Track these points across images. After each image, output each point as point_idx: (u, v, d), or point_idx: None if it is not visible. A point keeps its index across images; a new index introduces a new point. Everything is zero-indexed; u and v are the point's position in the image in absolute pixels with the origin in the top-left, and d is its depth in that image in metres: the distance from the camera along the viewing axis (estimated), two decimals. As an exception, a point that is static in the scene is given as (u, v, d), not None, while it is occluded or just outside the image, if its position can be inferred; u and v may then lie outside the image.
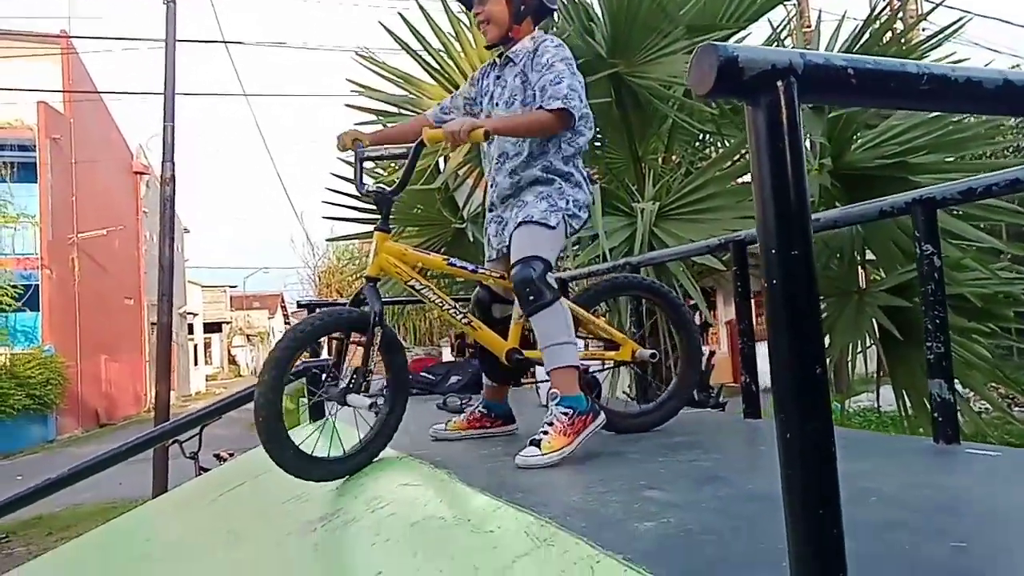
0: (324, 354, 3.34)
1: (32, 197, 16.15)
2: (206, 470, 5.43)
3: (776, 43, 4.72)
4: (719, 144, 5.16)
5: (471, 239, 5.15)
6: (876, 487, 1.48)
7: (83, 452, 10.06)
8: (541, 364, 2.28)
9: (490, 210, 2.52)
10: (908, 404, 3.96)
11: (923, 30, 6.98)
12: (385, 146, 2.49)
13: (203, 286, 35.36)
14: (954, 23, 4.57)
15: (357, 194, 5.27)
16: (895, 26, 5.04)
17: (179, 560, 2.29)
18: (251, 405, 1.94)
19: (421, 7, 5.06)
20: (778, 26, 5.10)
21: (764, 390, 2.88)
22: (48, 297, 16.24)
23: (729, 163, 4.64)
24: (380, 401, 2.16)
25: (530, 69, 2.35)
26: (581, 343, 2.73)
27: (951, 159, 4.19)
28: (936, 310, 1.94)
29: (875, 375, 4.71)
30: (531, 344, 2.33)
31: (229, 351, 42.33)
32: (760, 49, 0.85)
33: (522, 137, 2.33)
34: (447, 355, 7.34)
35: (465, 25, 4.90)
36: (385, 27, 5.10)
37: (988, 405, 4.75)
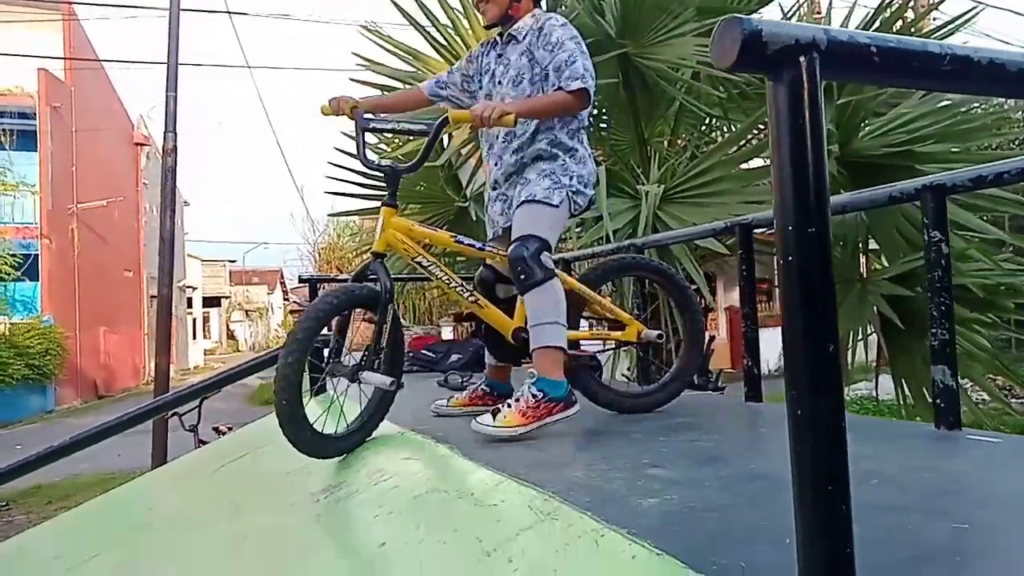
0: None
1: (32, 165, 16.05)
2: (205, 443, 5.45)
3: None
4: (725, 128, 5.13)
5: (474, 218, 5.14)
6: (878, 470, 1.49)
7: (82, 423, 10.10)
8: None
9: (493, 188, 2.51)
10: (907, 393, 3.97)
11: (934, 19, 6.93)
12: (388, 117, 2.47)
13: (202, 260, 35.30)
14: (966, 13, 4.53)
15: (360, 169, 5.30)
16: (906, 15, 5.00)
17: (181, 530, 2.31)
18: (248, 380, 1.94)
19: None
20: (789, 11, 5.07)
21: (764, 376, 2.90)
22: (47, 267, 16.21)
23: (735, 148, 4.62)
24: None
25: (537, 48, 2.33)
26: (585, 323, 2.74)
27: (957, 149, 4.18)
28: (942, 297, 1.94)
29: (874, 364, 4.72)
30: None
31: (228, 326, 42.35)
32: (784, 24, 0.84)
33: (544, 117, 2.32)
34: (446, 334, 7.34)
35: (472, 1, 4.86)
36: (393, 1, 5.05)
37: (986, 396, 4.77)
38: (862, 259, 4.38)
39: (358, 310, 2.15)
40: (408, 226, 2.29)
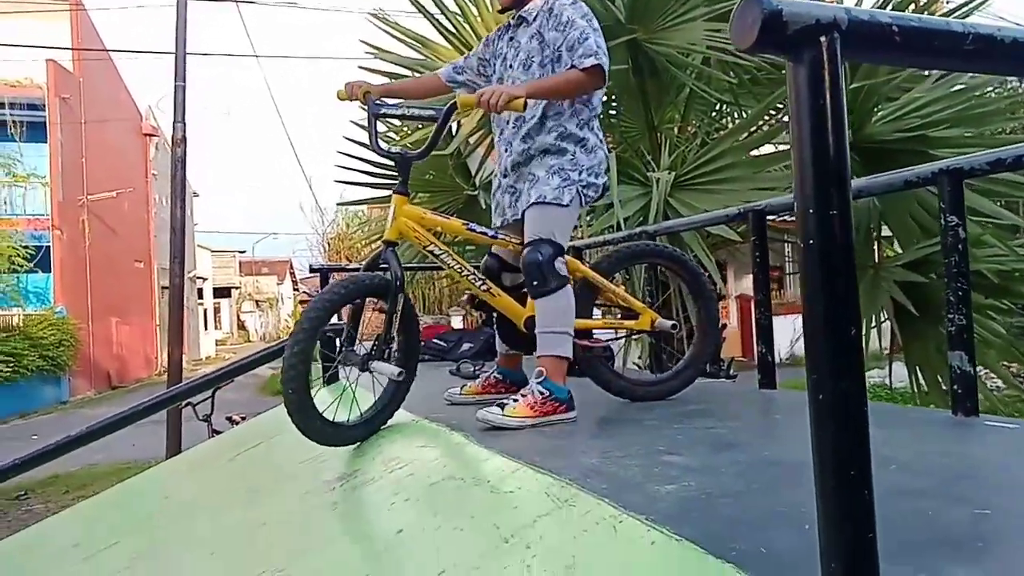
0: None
1: (42, 157, 16.12)
2: (218, 432, 5.50)
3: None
4: (736, 114, 5.10)
5: (483, 206, 5.13)
6: (896, 455, 1.48)
7: (96, 413, 10.19)
8: None
9: (504, 176, 2.49)
10: (921, 380, 3.95)
11: (947, 2, 6.84)
12: (403, 103, 2.46)
13: (212, 251, 35.44)
14: (980, -5, 4.47)
15: (369, 158, 5.30)
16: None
17: (198, 517, 2.33)
18: (261, 370, 1.95)
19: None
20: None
21: (777, 364, 2.89)
22: (59, 258, 16.31)
23: (746, 134, 4.59)
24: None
25: (547, 29, 2.30)
26: (598, 312, 2.73)
27: (971, 134, 4.13)
28: (959, 282, 1.92)
29: (887, 351, 4.70)
30: None
31: (238, 316, 42.58)
32: (804, 3, 0.83)
33: (556, 98, 2.29)
34: (456, 323, 7.35)
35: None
36: (401, -11, 5.03)
37: (1001, 383, 4.74)
38: (874, 245, 4.35)
39: (371, 299, 2.15)
40: (420, 214, 2.28)
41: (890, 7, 4.35)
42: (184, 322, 8.29)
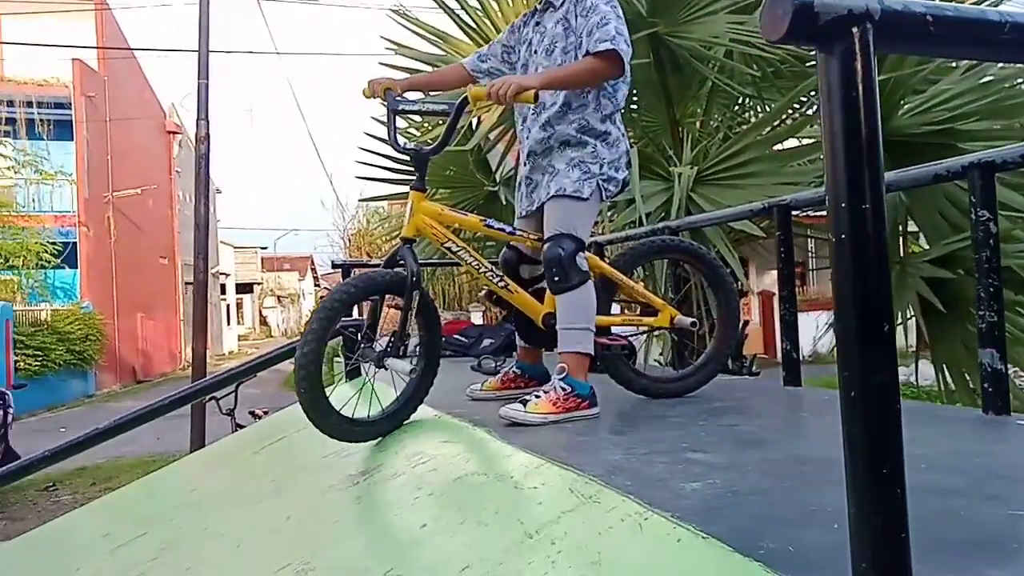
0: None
1: (68, 155, 16.39)
2: (242, 427, 5.55)
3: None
4: (759, 108, 5.04)
5: (504, 202, 5.13)
6: (926, 454, 1.46)
7: (121, 407, 10.35)
8: None
9: (524, 165, 2.47)
10: (948, 378, 3.89)
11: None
12: (421, 99, 2.44)
13: (235, 247, 35.80)
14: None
15: (389, 154, 5.32)
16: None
17: (224, 509, 2.36)
18: (283, 365, 1.96)
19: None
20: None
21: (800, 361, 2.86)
22: (86, 254, 16.58)
23: (769, 128, 4.54)
24: (414, 362, 2.16)
25: (573, 15, 2.25)
26: (617, 308, 2.72)
27: (1000, 126, 4.05)
28: (990, 278, 1.89)
29: (913, 349, 4.63)
30: None
31: (260, 312, 42.99)
32: (835, -8, 0.81)
33: (572, 88, 2.24)
34: (476, 319, 7.36)
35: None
36: (421, -16, 5.03)
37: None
38: (900, 241, 4.29)
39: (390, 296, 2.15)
40: (438, 210, 2.27)
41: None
42: (208, 317, 8.38)
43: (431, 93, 2.84)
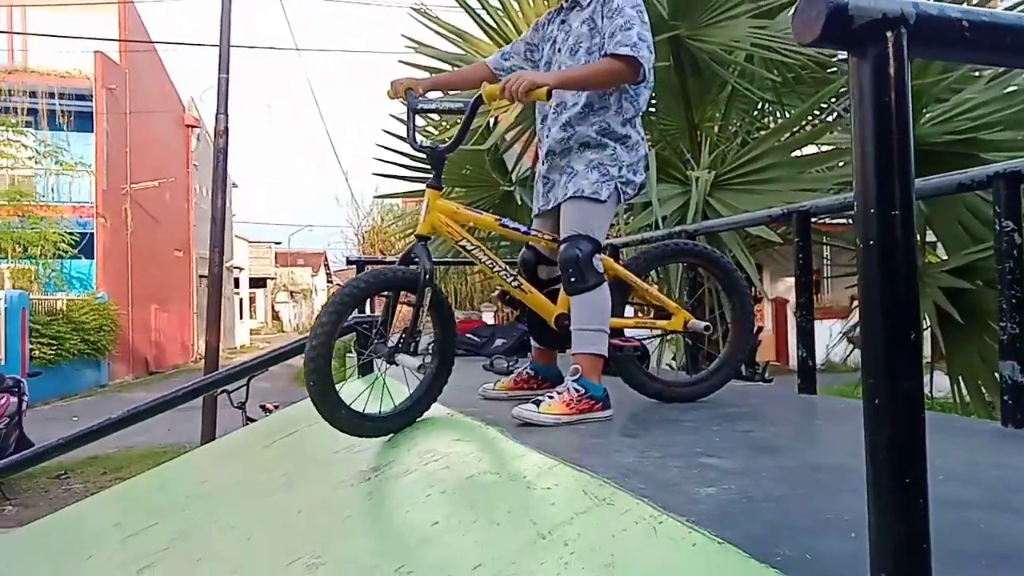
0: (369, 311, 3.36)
1: (88, 146, 16.56)
2: (252, 420, 5.58)
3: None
4: (778, 114, 5.01)
5: (519, 202, 5.12)
6: (944, 465, 1.44)
7: (133, 397, 10.44)
8: None
9: (542, 163, 2.46)
10: (964, 390, 3.85)
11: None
12: (439, 98, 2.44)
13: (249, 241, 36.01)
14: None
15: (406, 151, 5.32)
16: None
17: (234, 502, 2.36)
18: (294, 361, 1.97)
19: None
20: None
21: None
22: (102, 245, 16.73)
23: (788, 134, 4.51)
24: (427, 359, 2.16)
25: (599, 16, 2.24)
26: (630, 310, 2.71)
27: (1023, 137, 4.00)
28: (1013, 289, 1.86)
29: (928, 360, 4.58)
30: None
31: (273, 307, 43.22)
32: (870, -4, 0.80)
33: (588, 89, 2.23)
34: (487, 319, 7.36)
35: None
36: (442, -17, 5.04)
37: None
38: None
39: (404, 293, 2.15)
40: (453, 209, 2.27)
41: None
42: (221, 311, 8.43)
43: (451, 92, 2.84)
